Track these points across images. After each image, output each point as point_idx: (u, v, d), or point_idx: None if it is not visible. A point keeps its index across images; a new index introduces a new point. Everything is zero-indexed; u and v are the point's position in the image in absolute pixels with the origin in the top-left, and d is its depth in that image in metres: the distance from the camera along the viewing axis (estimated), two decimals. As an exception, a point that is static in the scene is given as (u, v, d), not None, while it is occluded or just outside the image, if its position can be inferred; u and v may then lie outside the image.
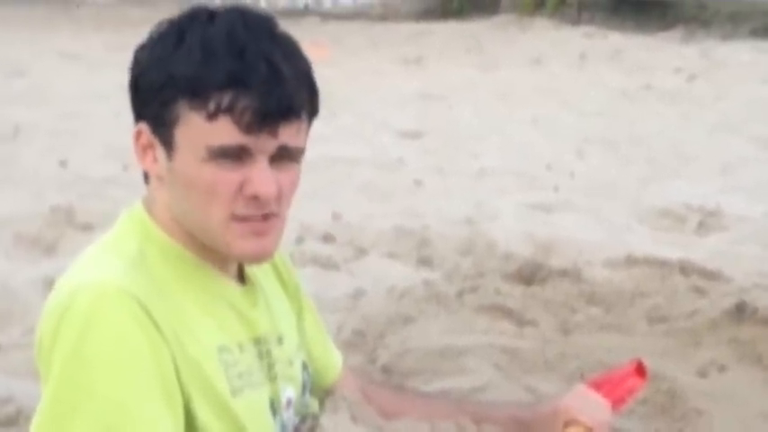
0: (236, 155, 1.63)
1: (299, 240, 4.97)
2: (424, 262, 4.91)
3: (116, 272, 1.63)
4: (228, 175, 1.64)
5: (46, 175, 6.40)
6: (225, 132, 1.62)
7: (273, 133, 1.63)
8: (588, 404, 2.00)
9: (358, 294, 4.43)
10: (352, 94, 8.77)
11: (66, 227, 5.28)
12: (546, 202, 6.10)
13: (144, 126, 1.67)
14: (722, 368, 3.54)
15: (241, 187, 1.64)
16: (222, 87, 1.61)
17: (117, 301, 1.59)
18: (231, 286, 1.75)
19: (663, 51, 12.02)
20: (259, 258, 1.73)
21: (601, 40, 12.86)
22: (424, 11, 15.70)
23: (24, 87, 9.58)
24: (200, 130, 1.62)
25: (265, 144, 1.64)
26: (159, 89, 1.64)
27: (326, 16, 15.36)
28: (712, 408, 3.25)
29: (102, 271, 1.64)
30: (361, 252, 5.04)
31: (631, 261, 4.84)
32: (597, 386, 2.06)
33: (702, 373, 3.52)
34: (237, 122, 1.61)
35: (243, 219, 1.66)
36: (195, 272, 1.70)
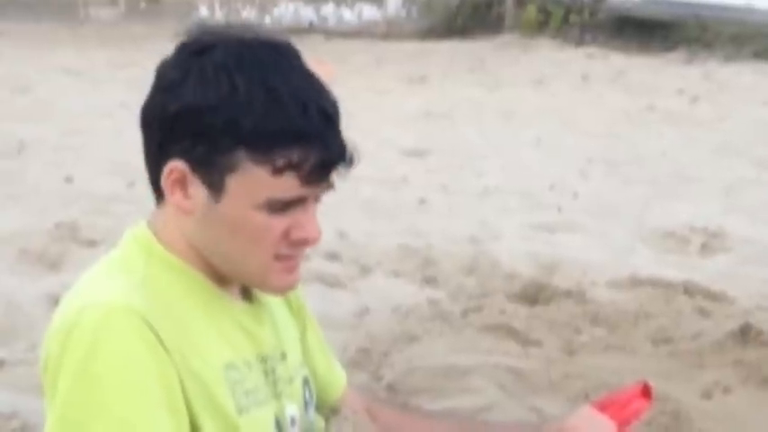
0: (291, 204, 1.65)
1: (304, 258, 4.98)
2: (429, 281, 4.91)
3: (122, 291, 1.63)
4: (278, 221, 1.65)
5: (50, 191, 6.41)
6: (288, 186, 1.63)
7: (328, 181, 1.65)
8: (594, 425, 2.00)
9: (363, 313, 4.43)
10: (355, 111, 8.73)
11: (70, 243, 5.28)
12: (549, 222, 6.10)
13: (180, 164, 1.64)
14: (726, 390, 3.54)
15: (288, 231, 1.66)
16: (289, 144, 1.61)
17: (124, 320, 1.59)
18: (237, 304, 1.75)
19: (665, 73, 12.04)
20: (289, 291, 1.78)
21: (603, 61, 12.87)
22: (428, 30, 15.71)
23: (29, 103, 9.59)
24: (262, 182, 1.62)
25: (318, 191, 1.66)
26: (217, 134, 1.61)
27: (331, 34, 15.37)
28: (716, 429, 3.25)
29: (108, 290, 1.64)
30: (366, 270, 5.04)
31: (635, 282, 4.85)
32: (603, 407, 2.05)
33: (707, 395, 3.52)
34: (300, 176, 1.62)
35: (283, 258, 1.69)
36: (201, 290, 1.71)
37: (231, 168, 1.62)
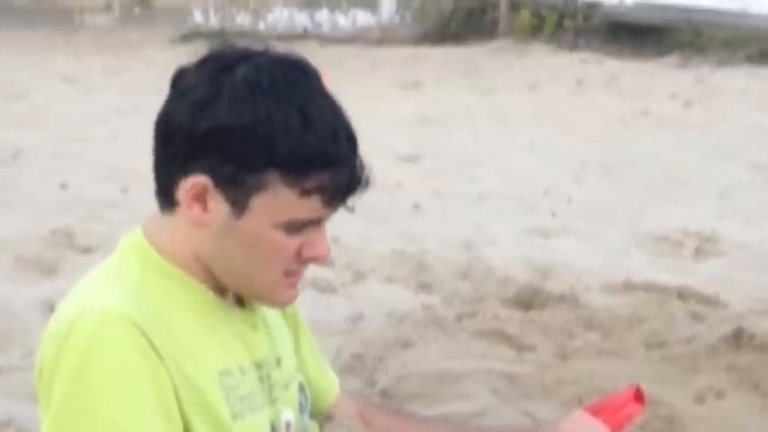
0: (308, 223, 1.67)
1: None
2: (423, 286, 4.92)
3: (117, 298, 1.64)
4: (293, 240, 1.67)
5: (46, 198, 6.42)
6: (312, 208, 1.65)
7: (346, 203, 1.69)
8: (587, 430, 2.00)
9: (356, 318, 4.44)
10: (350, 117, 8.76)
11: (66, 249, 5.29)
12: (544, 226, 6.11)
13: (204, 179, 1.65)
14: (720, 394, 3.54)
15: (300, 249, 1.69)
16: (321, 168, 1.63)
17: (118, 328, 1.59)
18: (231, 310, 1.76)
19: (659, 77, 12.05)
20: (290, 304, 1.81)
21: (597, 66, 12.89)
22: (422, 35, 15.73)
23: (24, 110, 9.60)
24: (289, 203, 1.64)
25: (334, 211, 1.69)
26: (249, 155, 1.62)
27: (325, 40, 15.38)
28: (710, 434, 3.25)
29: (103, 297, 1.64)
30: (360, 276, 5.05)
31: (629, 286, 4.86)
32: (595, 412, 2.06)
33: (700, 399, 3.53)
34: (324, 199, 1.65)
35: (291, 274, 1.71)
36: (197, 297, 1.72)
37: (260, 188, 1.63)
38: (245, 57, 1.67)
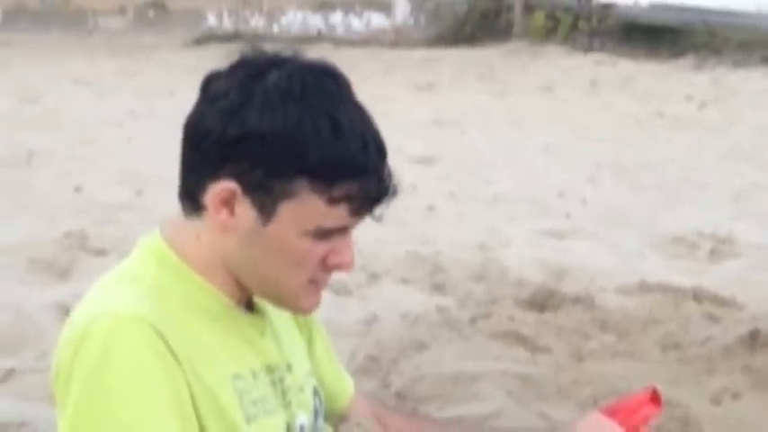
0: (335, 231, 1.67)
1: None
2: (438, 288, 4.91)
3: (132, 300, 1.64)
4: (319, 248, 1.67)
5: (60, 201, 6.43)
6: (339, 216, 1.65)
7: (372, 212, 1.69)
8: (602, 431, 2.00)
9: (371, 320, 4.44)
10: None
11: (79, 252, 5.30)
12: (558, 228, 6.10)
13: (232, 185, 1.65)
14: (736, 396, 3.54)
15: (326, 256, 1.69)
16: (350, 177, 1.63)
17: (133, 329, 1.60)
18: (241, 314, 1.76)
19: (674, 79, 12.03)
20: (314, 310, 1.80)
21: (612, 68, 12.88)
22: (436, 37, 15.73)
23: (38, 113, 9.63)
24: (316, 211, 1.64)
25: (361, 220, 1.69)
26: (279, 162, 1.62)
27: (339, 42, 15.38)
28: (726, 435, 3.24)
29: (118, 299, 1.65)
30: (374, 277, 5.04)
31: (644, 288, 4.84)
32: (611, 413, 2.05)
33: (716, 401, 3.52)
34: (351, 208, 1.65)
35: (316, 281, 1.72)
36: (211, 300, 1.72)
37: (288, 195, 1.63)
38: (276, 63, 1.67)
